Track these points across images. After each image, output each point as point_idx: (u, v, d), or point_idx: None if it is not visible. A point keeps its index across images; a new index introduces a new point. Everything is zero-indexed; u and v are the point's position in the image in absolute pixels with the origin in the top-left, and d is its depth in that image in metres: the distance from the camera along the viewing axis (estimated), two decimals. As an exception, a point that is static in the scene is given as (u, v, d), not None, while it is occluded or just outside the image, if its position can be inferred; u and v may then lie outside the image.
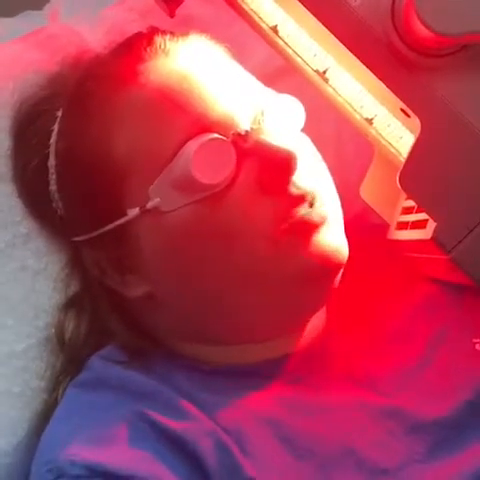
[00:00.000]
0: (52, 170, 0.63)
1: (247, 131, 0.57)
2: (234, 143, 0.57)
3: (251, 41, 0.67)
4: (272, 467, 0.55)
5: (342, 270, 0.59)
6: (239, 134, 0.57)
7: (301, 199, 0.57)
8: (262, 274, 0.57)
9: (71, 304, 0.65)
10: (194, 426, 0.55)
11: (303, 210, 0.57)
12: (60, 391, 0.62)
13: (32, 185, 0.64)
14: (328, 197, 0.60)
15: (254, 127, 0.57)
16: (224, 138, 0.56)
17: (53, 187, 0.63)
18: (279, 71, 0.72)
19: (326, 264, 0.57)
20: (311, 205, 0.58)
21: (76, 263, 0.65)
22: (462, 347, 0.60)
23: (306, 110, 0.61)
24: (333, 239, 0.58)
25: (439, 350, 0.61)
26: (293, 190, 0.57)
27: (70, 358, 0.64)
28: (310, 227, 0.57)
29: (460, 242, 0.54)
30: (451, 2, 0.50)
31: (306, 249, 0.57)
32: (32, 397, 0.63)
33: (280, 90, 0.62)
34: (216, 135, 0.56)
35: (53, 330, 0.64)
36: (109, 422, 0.56)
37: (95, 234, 0.60)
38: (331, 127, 0.76)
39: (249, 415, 0.57)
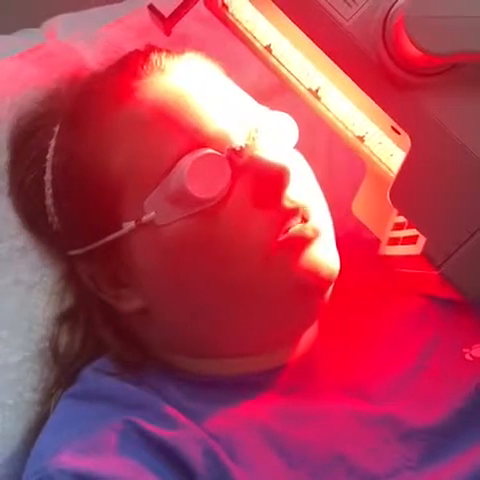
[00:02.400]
0: (48, 185, 0.63)
1: (241, 147, 0.58)
2: (229, 159, 0.58)
3: (245, 59, 0.68)
4: (263, 475, 0.55)
5: (333, 284, 0.60)
6: (234, 150, 0.58)
7: (294, 212, 0.58)
8: (255, 289, 0.58)
9: (65, 317, 0.65)
10: (183, 434, 0.56)
11: (296, 225, 0.58)
12: (53, 403, 0.62)
13: (28, 199, 0.65)
14: (320, 211, 0.61)
15: (248, 143, 0.58)
16: (219, 154, 0.57)
17: (49, 201, 0.63)
18: (272, 89, 0.73)
19: (317, 278, 0.58)
20: (304, 220, 0.58)
21: (71, 277, 0.65)
22: (452, 356, 0.61)
23: (298, 127, 0.62)
24: (324, 253, 0.59)
25: (430, 359, 0.61)
26: (286, 204, 0.58)
27: (64, 370, 0.64)
28: (302, 241, 0.58)
29: (449, 257, 0.55)
30: (440, 22, 0.51)
31: (297, 263, 0.57)
32: (25, 409, 0.63)
33: (273, 107, 0.63)
34: (211, 150, 0.57)
35: (47, 343, 0.65)
36: (99, 431, 0.56)
37: (90, 248, 0.61)
38: (322, 144, 0.77)
39: (240, 424, 0.57)
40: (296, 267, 0.57)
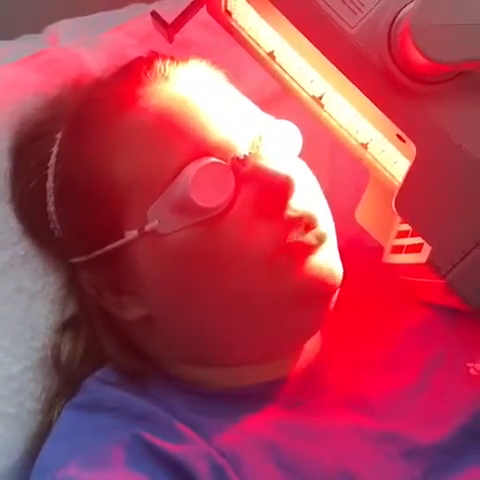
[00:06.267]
0: (50, 192, 0.63)
1: (245, 156, 0.58)
2: (233, 167, 0.57)
3: (247, 66, 0.68)
4: None
5: (337, 292, 0.59)
6: (238, 158, 0.57)
7: (297, 222, 0.58)
8: (258, 297, 0.57)
9: (67, 326, 0.65)
10: (190, 449, 0.55)
11: (299, 234, 0.57)
12: (55, 413, 0.62)
13: (30, 206, 0.65)
14: (323, 219, 0.60)
15: (252, 152, 0.58)
16: (223, 162, 0.57)
17: (51, 209, 0.63)
18: (273, 96, 0.73)
19: (321, 286, 0.58)
20: (307, 228, 0.58)
21: (73, 285, 0.65)
22: (457, 371, 0.60)
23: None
24: (327, 261, 0.59)
25: (434, 374, 0.61)
26: (290, 213, 0.58)
27: (66, 380, 0.63)
28: (305, 249, 0.58)
29: (455, 266, 0.55)
30: (447, 30, 0.51)
31: (301, 271, 0.57)
32: (28, 419, 0.63)
33: (274, 114, 0.63)
34: (215, 159, 0.57)
35: (49, 352, 0.64)
36: (105, 444, 0.56)
37: (92, 256, 0.60)
38: (324, 152, 0.77)
39: (245, 439, 0.57)
40: (299, 275, 0.57)
